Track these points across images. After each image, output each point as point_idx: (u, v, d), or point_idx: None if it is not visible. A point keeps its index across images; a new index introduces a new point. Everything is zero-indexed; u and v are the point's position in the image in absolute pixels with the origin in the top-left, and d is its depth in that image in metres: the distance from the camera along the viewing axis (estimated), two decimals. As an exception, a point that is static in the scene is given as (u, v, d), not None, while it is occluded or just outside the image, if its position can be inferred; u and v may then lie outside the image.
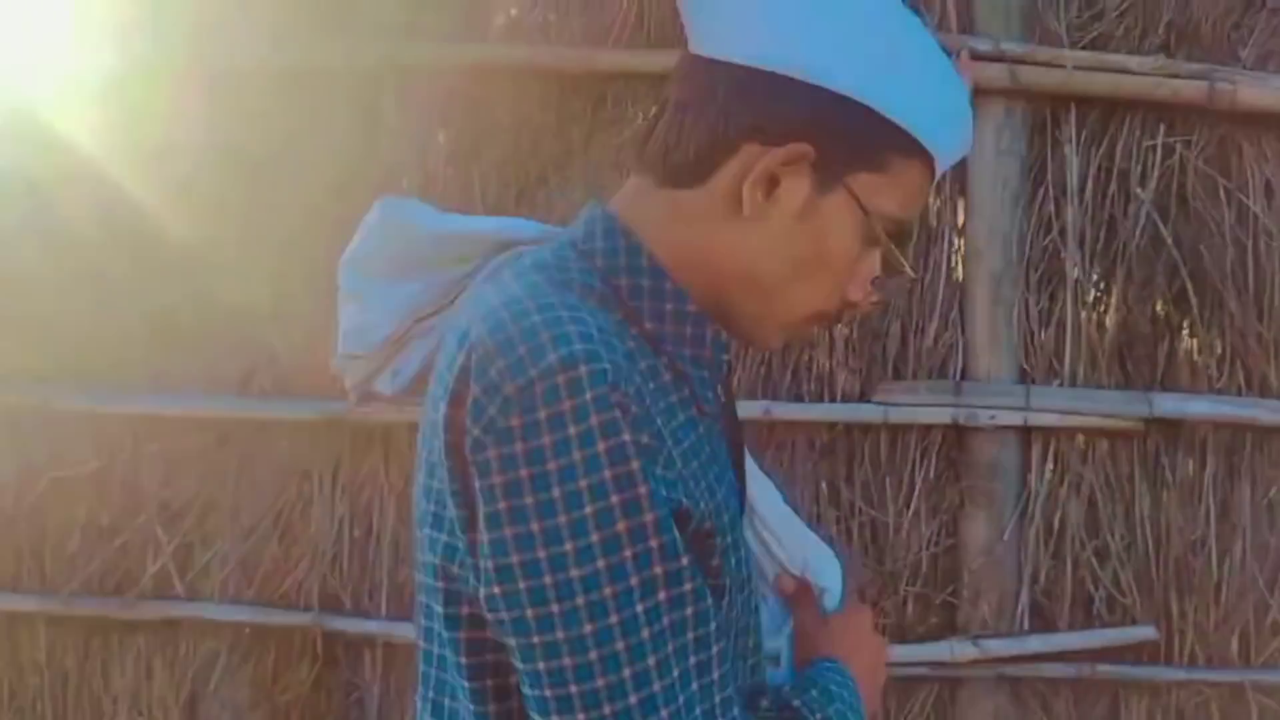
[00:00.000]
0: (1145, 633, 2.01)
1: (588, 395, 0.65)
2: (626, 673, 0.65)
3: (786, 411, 2.02)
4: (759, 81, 0.75)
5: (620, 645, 0.65)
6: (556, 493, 0.65)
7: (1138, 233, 1.95)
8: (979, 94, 1.89)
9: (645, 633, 0.65)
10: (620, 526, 0.65)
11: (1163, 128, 1.92)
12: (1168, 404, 1.96)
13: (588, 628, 0.65)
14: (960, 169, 1.96)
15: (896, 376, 2.03)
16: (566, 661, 0.65)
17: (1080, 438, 2.02)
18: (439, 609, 0.73)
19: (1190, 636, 2.02)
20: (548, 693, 0.66)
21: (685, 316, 0.79)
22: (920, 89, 0.78)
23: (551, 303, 0.69)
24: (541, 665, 0.66)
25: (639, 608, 0.65)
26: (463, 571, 0.70)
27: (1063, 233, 1.96)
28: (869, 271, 0.82)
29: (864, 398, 2.03)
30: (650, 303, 0.78)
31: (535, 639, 0.66)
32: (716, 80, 0.76)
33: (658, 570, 0.66)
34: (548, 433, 0.65)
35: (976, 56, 1.88)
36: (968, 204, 2.00)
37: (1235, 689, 2.01)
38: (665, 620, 0.66)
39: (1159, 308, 1.97)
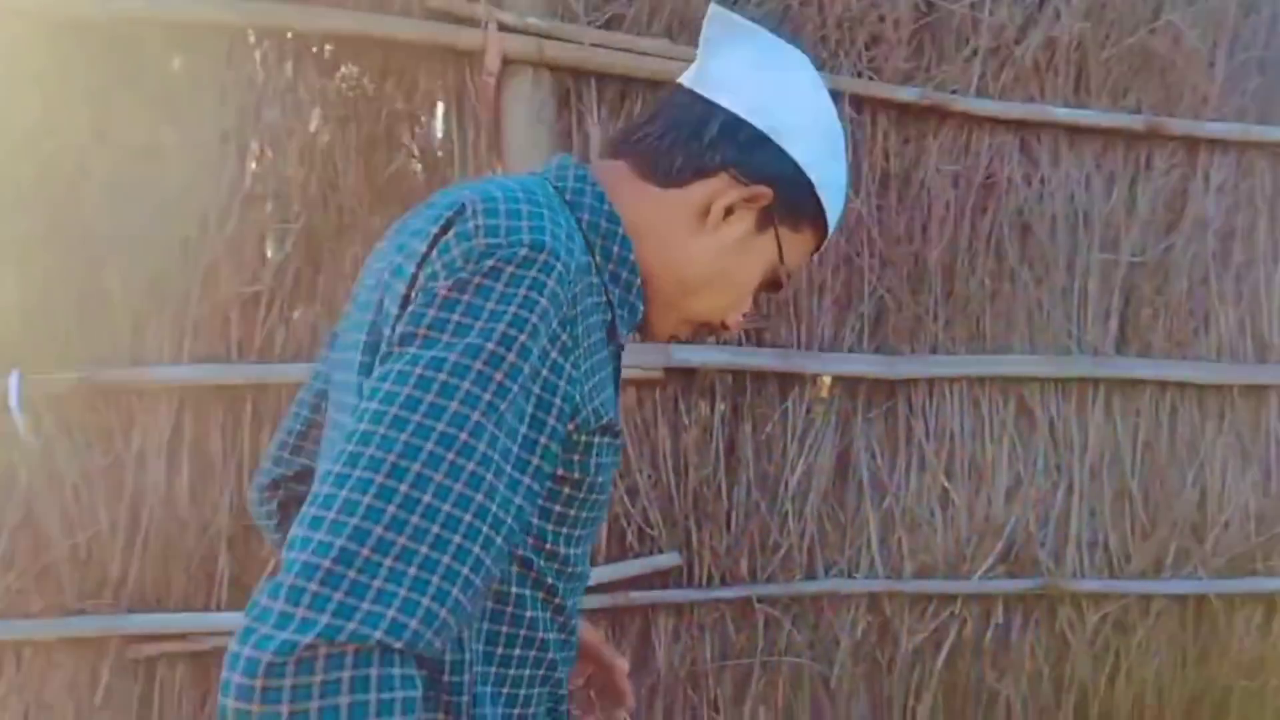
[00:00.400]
0: (671, 560, 2.24)
1: (539, 277, 0.79)
2: (392, 510, 0.72)
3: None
4: (745, 130, 0.96)
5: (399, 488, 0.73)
6: (465, 339, 0.77)
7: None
8: (508, 64, 1.99)
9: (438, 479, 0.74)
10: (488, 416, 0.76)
11: (670, 104, 2.11)
12: (682, 354, 2.18)
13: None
14: (495, 134, 2.05)
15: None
16: (353, 480, 0.73)
17: (610, 388, 2.20)
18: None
19: (708, 560, 2.28)
20: (336, 468, 0.74)
21: (625, 262, 0.94)
22: (836, 177, 1.00)
23: (539, 201, 0.85)
24: (351, 448, 0.74)
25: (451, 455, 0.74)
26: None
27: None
28: (748, 304, 1.03)
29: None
30: (603, 240, 0.93)
31: (365, 426, 0.75)
32: (712, 117, 0.96)
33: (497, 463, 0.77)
34: (493, 296, 0.78)
35: (504, 28, 1.97)
36: (504, 168, 2.09)
37: (745, 602, 2.29)
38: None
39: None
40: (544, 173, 0.97)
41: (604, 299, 0.91)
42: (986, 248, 2.32)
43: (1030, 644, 2.41)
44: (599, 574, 2.18)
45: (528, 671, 0.91)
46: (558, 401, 0.81)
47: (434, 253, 0.81)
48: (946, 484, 2.36)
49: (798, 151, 0.97)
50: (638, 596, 2.22)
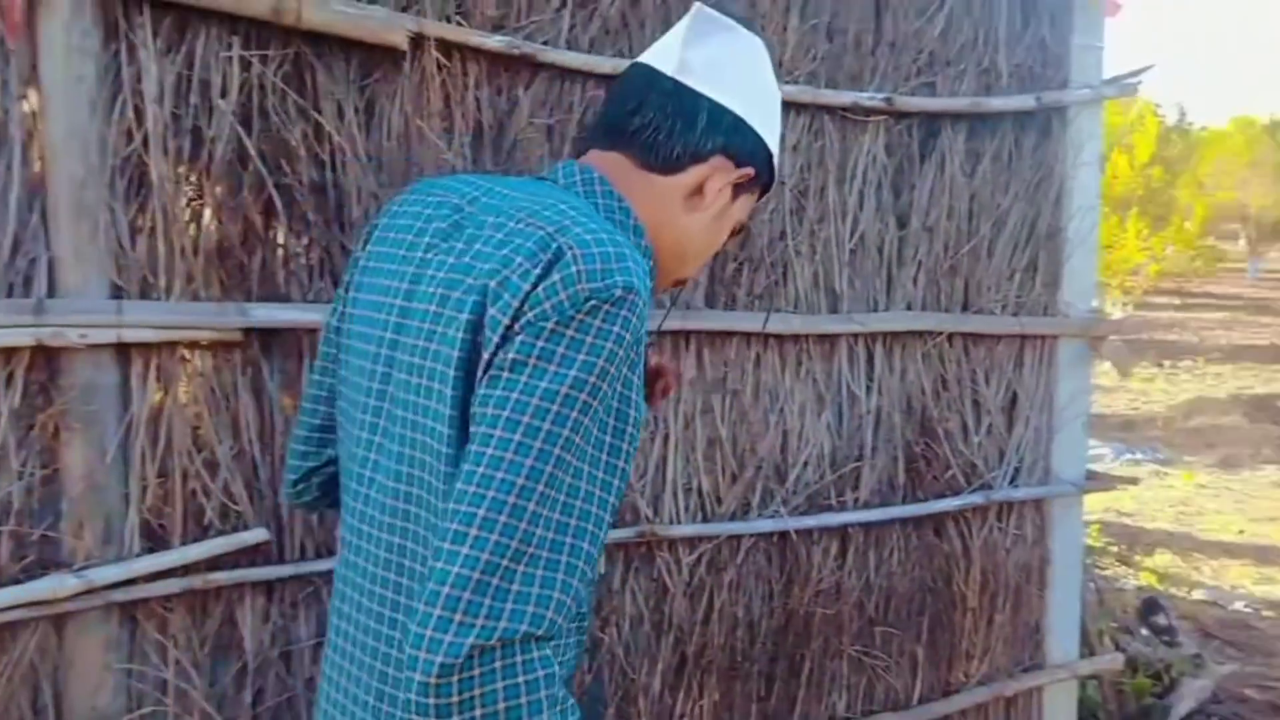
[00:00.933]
0: (257, 535, 2.09)
1: (628, 315, 0.96)
2: (533, 531, 0.92)
3: None
4: (730, 119, 1.17)
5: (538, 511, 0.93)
6: (571, 371, 0.94)
7: (223, 145, 1.98)
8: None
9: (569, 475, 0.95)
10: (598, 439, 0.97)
11: (238, 40, 1.96)
12: (262, 313, 2.04)
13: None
14: (30, 59, 1.81)
15: (-37, 294, 1.82)
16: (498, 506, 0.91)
17: (181, 351, 2.02)
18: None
19: (299, 533, 2.15)
20: (471, 488, 0.92)
21: (648, 251, 1.16)
22: (776, 144, 1.24)
23: (620, 242, 1.00)
24: (482, 470, 0.92)
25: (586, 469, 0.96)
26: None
27: (146, 141, 1.91)
28: (718, 239, 1.26)
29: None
30: (630, 238, 1.12)
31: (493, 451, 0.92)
32: (699, 107, 1.16)
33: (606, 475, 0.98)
34: (604, 339, 0.95)
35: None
36: (42, 102, 1.85)
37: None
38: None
39: (250, 219, 2.03)
40: (567, 182, 1.15)
41: None
42: (581, 204, 2.35)
43: (631, 590, 2.49)
44: (175, 557, 2.00)
45: (570, 624, 1.11)
46: (633, 413, 0.99)
47: (539, 291, 0.95)
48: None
49: (765, 134, 1.20)
50: (218, 578, 2.06)
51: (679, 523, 2.52)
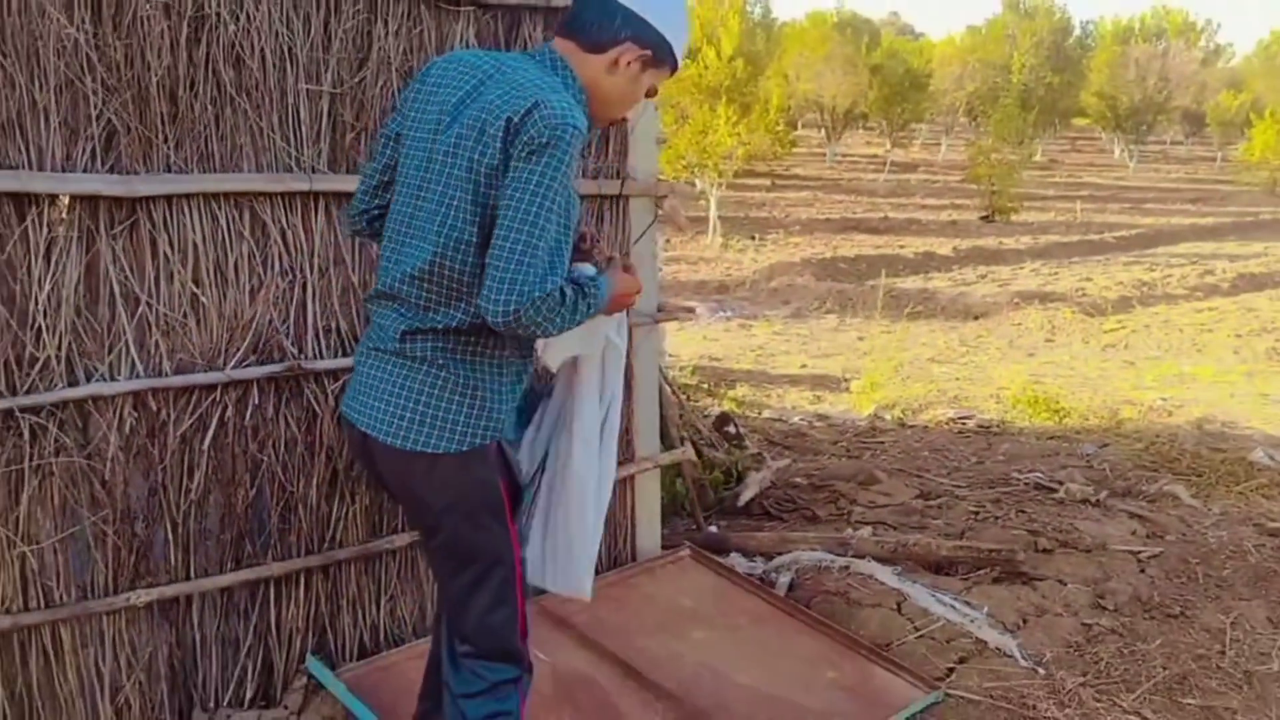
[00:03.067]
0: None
1: (577, 142, 1.91)
2: (536, 239, 1.87)
3: None
4: (635, 19, 2.04)
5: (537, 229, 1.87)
6: (554, 171, 1.89)
7: None
8: None
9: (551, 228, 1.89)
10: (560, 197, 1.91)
11: None
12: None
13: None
14: None
15: None
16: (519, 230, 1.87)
17: None
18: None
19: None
20: (508, 239, 1.87)
21: (584, 104, 2.07)
22: (681, 38, 2.12)
23: (569, 100, 1.96)
24: (518, 217, 1.87)
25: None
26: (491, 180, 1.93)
27: None
28: (640, 101, 2.18)
29: None
30: (578, 94, 2.06)
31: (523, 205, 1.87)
32: (616, 11, 2.04)
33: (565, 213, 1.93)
34: (562, 152, 1.89)
35: None
36: None
37: (6, 414, 2.41)
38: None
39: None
40: (541, 57, 2.07)
41: None
42: (205, 76, 2.63)
43: (285, 417, 2.88)
44: None
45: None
46: (571, 187, 1.94)
47: (527, 123, 1.88)
48: (196, 290, 2.69)
49: (664, 29, 2.06)
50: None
51: (321, 358, 2.92)
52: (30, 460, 2.46)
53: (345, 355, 2.96)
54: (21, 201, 2.39)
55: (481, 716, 2.17)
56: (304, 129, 2.82)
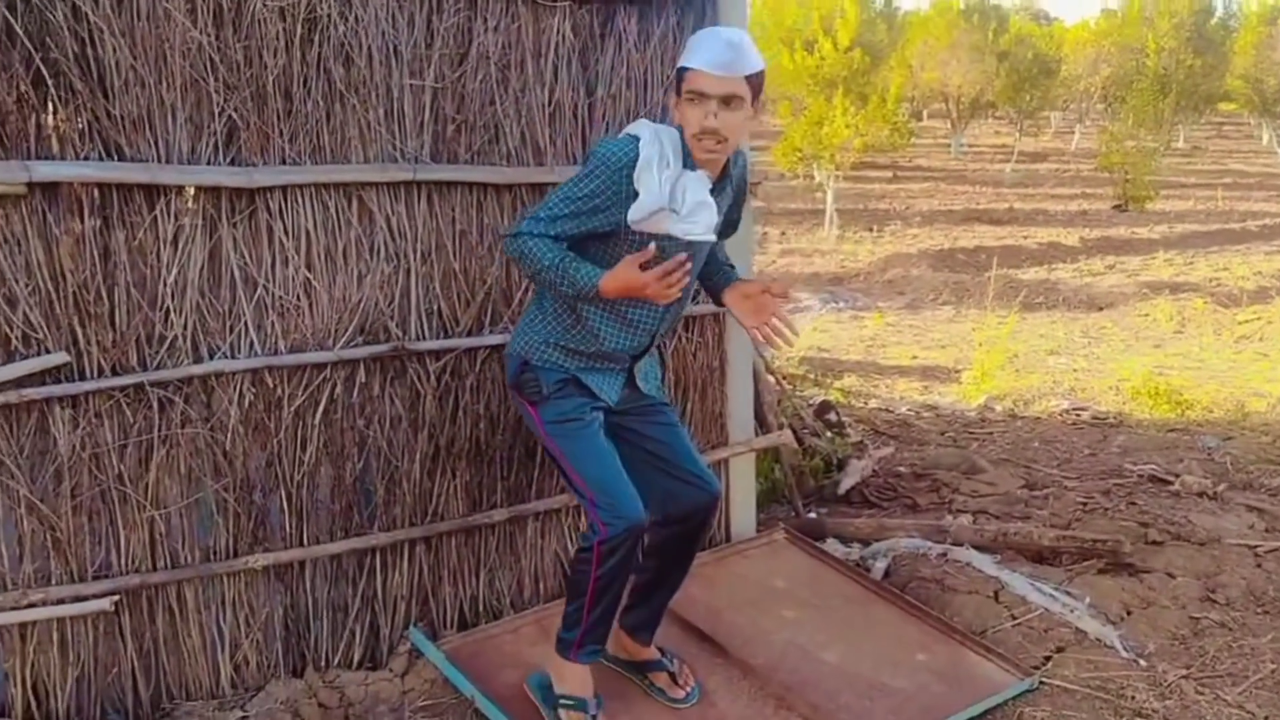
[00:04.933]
0: (59, 358, 2.49)
1: (598, 162, 2.42)
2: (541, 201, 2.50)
3: None
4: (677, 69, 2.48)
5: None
6: (578, 176, 2.46)
7: (-6, 23, 2.31)
8: None
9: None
10: (568, 189, 2.47)
11: (0, -69, 2.28)
12: (45, 170, 2.40)
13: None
14: None
15: None
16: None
17: (-26, 202, 2.36)
18: None
19: (97, 355, 2.57)
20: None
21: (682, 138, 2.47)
22: (694, 58, 2.39)
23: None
24: None
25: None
26: None
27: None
28: (700, 118, 2.38)
29: None
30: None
31: None
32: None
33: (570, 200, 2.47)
34: (587, 166, 2.44)
35: None
36: None
37: (138, 388, 2.63)
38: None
39: (21, 88, 2.37)
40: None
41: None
42: (317, 74, 2.80)
43: (390, 395, 3.04)
44: (-14, 377, 2.38)
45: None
46: (583, 185, 2.46)
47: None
48: (308, 274, 2.87)
49: (683, 60, 2.42)
50: (29, 393, 2.46)
51: (424, 339, 3.07)
52: (158, 431, 2.68)
53: (447, 337, 3.11)
54: (151, 192, 2.60)
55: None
56: (408, 122, 2.97)
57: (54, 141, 2.45)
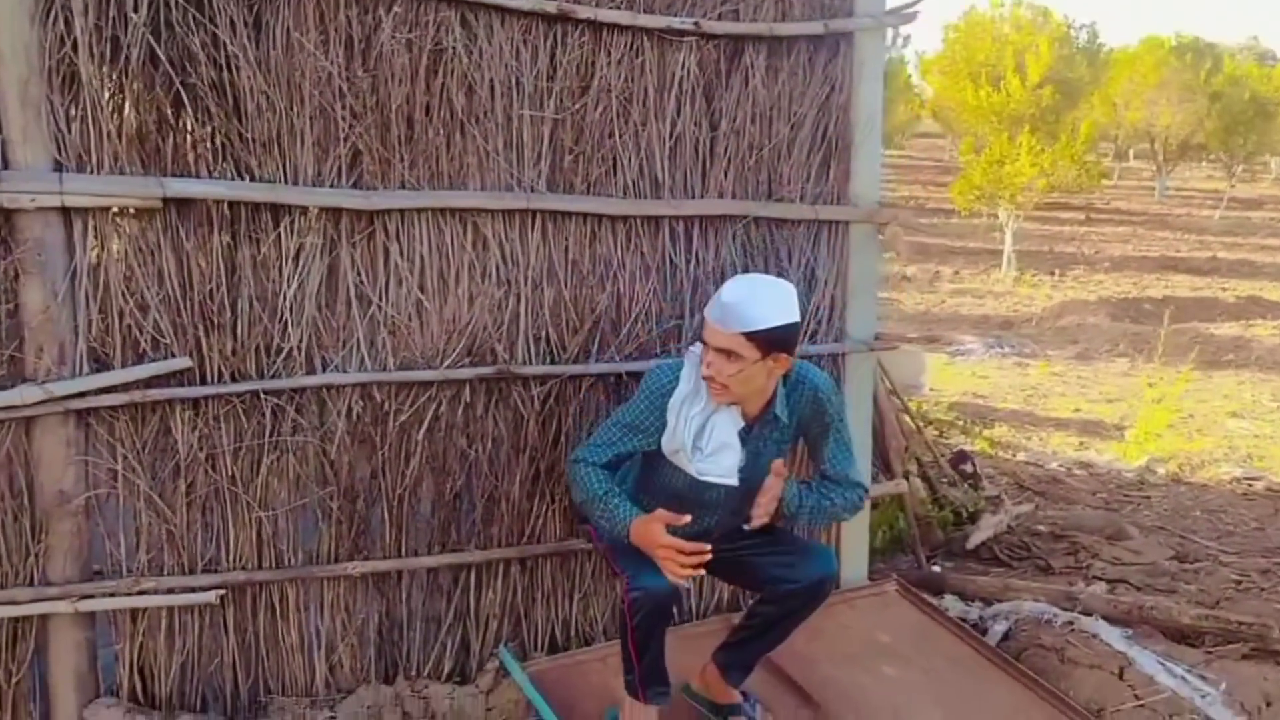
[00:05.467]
0: (182, 363, 2.67)
1: (647, 383, 2.66)
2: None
3: None
4: None
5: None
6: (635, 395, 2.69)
7: (137, 49, 2.50)
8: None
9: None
10: (623, 412, 2.70)
11: (148, -35, 2.48)
12: (178, 186, 2.58)
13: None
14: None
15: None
16: None
17: (113, 215, 2.56)
18: None
19: (218, 362, 2.73)
20: None
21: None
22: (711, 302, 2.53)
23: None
24: None
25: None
26: None
27: (75, 46, 2.43)
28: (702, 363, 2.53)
29: None
30: None
31: None
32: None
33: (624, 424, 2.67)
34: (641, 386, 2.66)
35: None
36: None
37: (254, 395, 2.78)
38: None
39: (162, 110, 2.56)
40: None
41: None
42: (440, 104, 2.91)
43: (493, 416, 3.11)
44: (115, 377, 2.57)
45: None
46: (633, 407, 2.70)
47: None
48: (420, 295, 2.97)
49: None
50: (154, 393, 2.64)
51: (530, 364, 3.13)
52: (270, 436, 2.82)
53: (553, 363, 3.15)
54: (277, 211, 2.75)
55: None
56: (526, 151, 3.04)
57: (189, 160, 2.63)
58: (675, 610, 2.63)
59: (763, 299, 2.48)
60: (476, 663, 3.17)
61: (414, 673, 3.11)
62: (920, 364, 7.54)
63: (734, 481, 2.60)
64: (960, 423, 6.67)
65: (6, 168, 2.41)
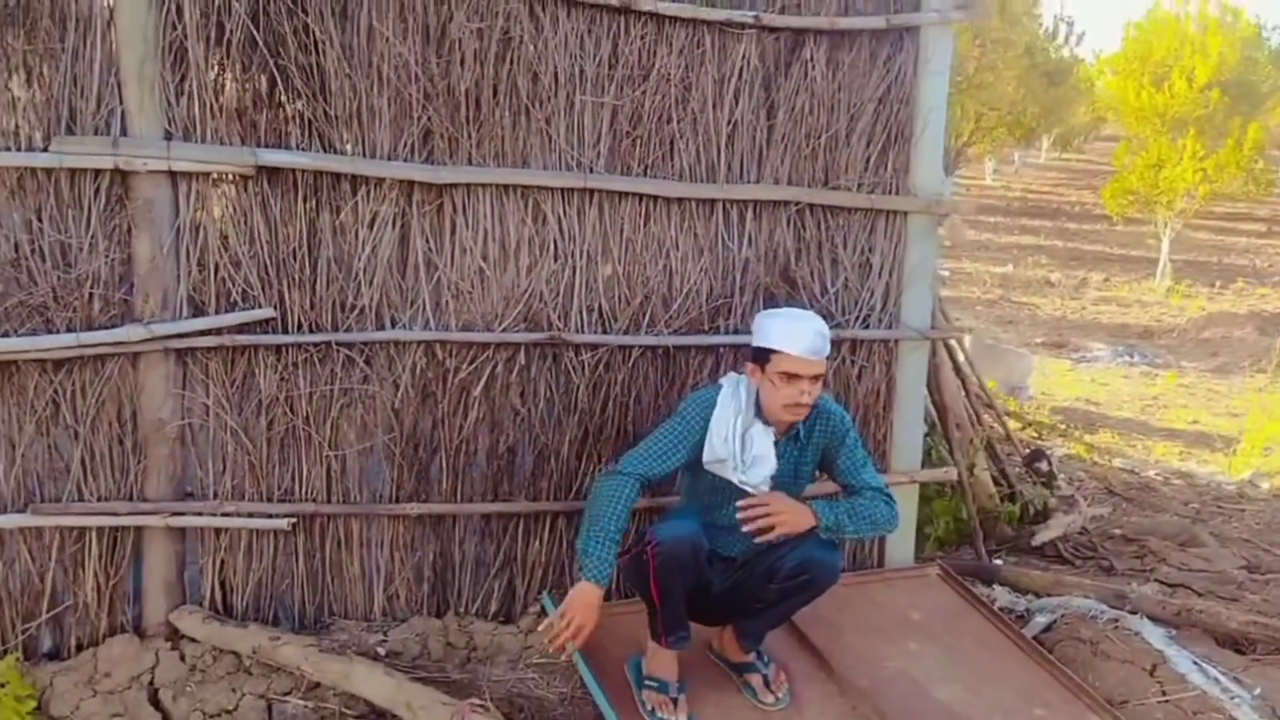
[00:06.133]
0: (266, 313, 3.03)
1: (687, 405, 2.90)
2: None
3: None
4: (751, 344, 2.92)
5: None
6: (674, 414, 2.92)
7: (239, 34, 2.87)
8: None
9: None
10: (667, 428, 2.90)
11: (248, -38, 2.83)
12: (270, 156, 2.94)
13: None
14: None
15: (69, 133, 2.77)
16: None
17: (213, 180, 2.94)
18: None
19: (298, 314, 3.08)
20: None
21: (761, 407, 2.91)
22: (783, 332, 2.78)
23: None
24: None
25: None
26: None
27: (185, 30, 2.81)
28: (795, 395, 2.77)
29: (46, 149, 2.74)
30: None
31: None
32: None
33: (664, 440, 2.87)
34: (682, 406, 2.91)
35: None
36: (115, 1, 2.75)
37: (328, 346, 3.12)
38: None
39: (258, 89, 2.92)
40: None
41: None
42: (507, 88, 3.18)
43: (545, 378, 3.37)
44: (210, 322, 2.95)
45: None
46: (674, 425, 2.91)
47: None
48: (483, 264, 3.25)
49: (761, 340, 2.81)
50: (242, 339, 3.01)
51: (582, 332, 3.37)
52: (341, 384, 3.15)
53: (604, 333, 3.38)
54: (355, 181, 3.07)
55: None
56: (586, 134, 3.28)
57: (280, 133, 2.98)
58: (696, 565, 2.80)
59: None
60: (521, 606, 3.44)
61: (463, 610, 3.40)
62: (1028, 366, 7.44)
63: (766, 487, 2.86)
64: (1062, 426, 6.57)
65: (125, 135, 2.80)
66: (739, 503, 2.78)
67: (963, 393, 4.89)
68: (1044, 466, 4.99)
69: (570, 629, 2.62)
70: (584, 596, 2.65)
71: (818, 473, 3.06)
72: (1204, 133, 15.77)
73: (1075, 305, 13.53)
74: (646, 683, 2.94)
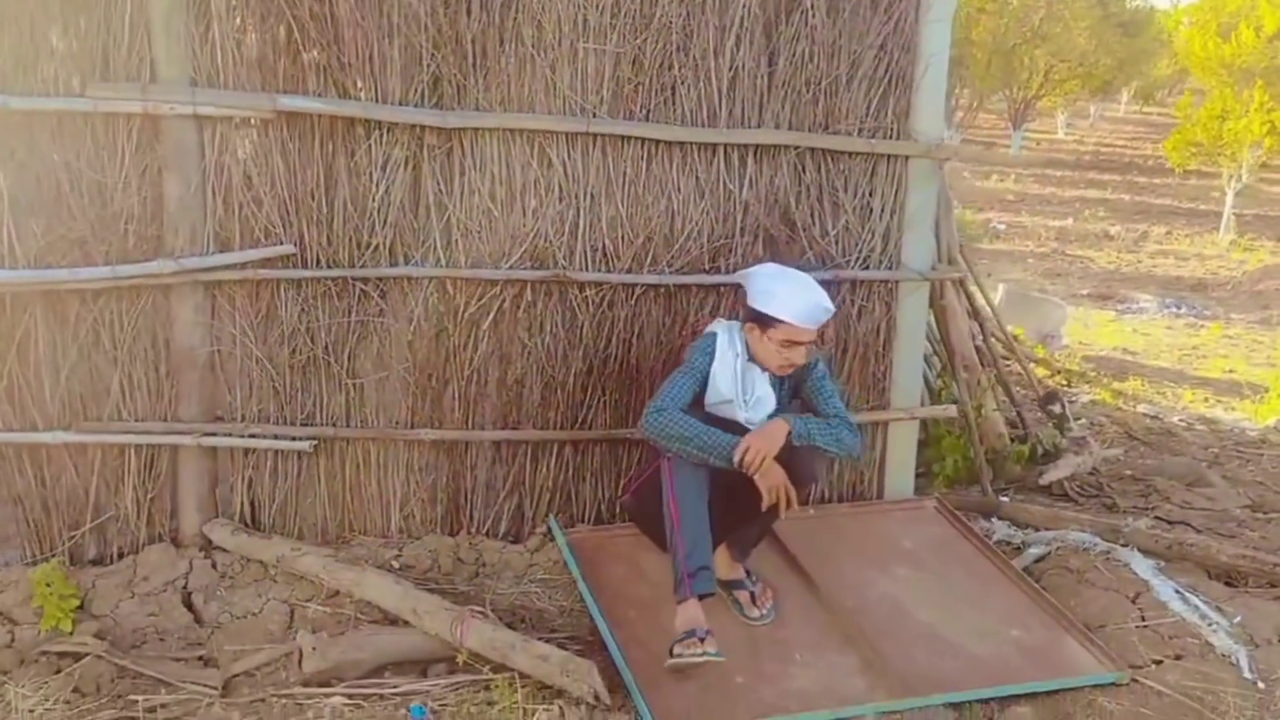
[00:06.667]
0: (287, 249, 3.25)
1: (699, 344, 3.19)
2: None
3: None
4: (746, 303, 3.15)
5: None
6: (688, 355, 3.19)
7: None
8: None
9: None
10: (686, 366, 3.16)
11: (266, -80, 3.02)
12: (287, 102, 3.14)
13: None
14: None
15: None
16: None
17: (236, 124, 3.16)
18: None
19: (317, 251, 3.30)
20: None
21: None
22: (789, 309, 3.01)
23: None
24: None
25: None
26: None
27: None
28: (794, 356, 3.08)
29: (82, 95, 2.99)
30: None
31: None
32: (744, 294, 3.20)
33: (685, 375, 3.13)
34: (693, 346, 3.20)
35: None
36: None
37: (345, 281, 3.34)
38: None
39: (276, 39, 3.12)
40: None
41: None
42: (512, 36, 3.34)
43: (550, 313, 3.55)
44: (235, 257, 3.19)
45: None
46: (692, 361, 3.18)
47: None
48: (490, 205, 3.44)
49: (761, 305, 3.03)
50: (265, 273, 3.24)
51: (586, 270, 3.55)
52: (356, 316, 3.38)
53: (607, 271, 3.56)
54: (369, 126, 3.27)
55: None
56: (588, 80, 3.43)
57: (297, 80, 3.18)
58: (708, 471, 3.02)
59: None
60: (529, 528, 3.67)
61: (474, 530, 3.64)
62: (1061, 316, 7.44)
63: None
64: (1089, 373, 6.60)
65: (154, 81, 3.03)
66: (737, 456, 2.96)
67: (979, 336, 4.98)
68: (1057, 409, 5.07)
69: (759, 458, 2.94)
70: (768, 429, 3.00)
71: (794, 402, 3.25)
72: (1272, 84, 15.29)
73: (1131, 259, 13.33)
74: (678, 641, 2.89)
